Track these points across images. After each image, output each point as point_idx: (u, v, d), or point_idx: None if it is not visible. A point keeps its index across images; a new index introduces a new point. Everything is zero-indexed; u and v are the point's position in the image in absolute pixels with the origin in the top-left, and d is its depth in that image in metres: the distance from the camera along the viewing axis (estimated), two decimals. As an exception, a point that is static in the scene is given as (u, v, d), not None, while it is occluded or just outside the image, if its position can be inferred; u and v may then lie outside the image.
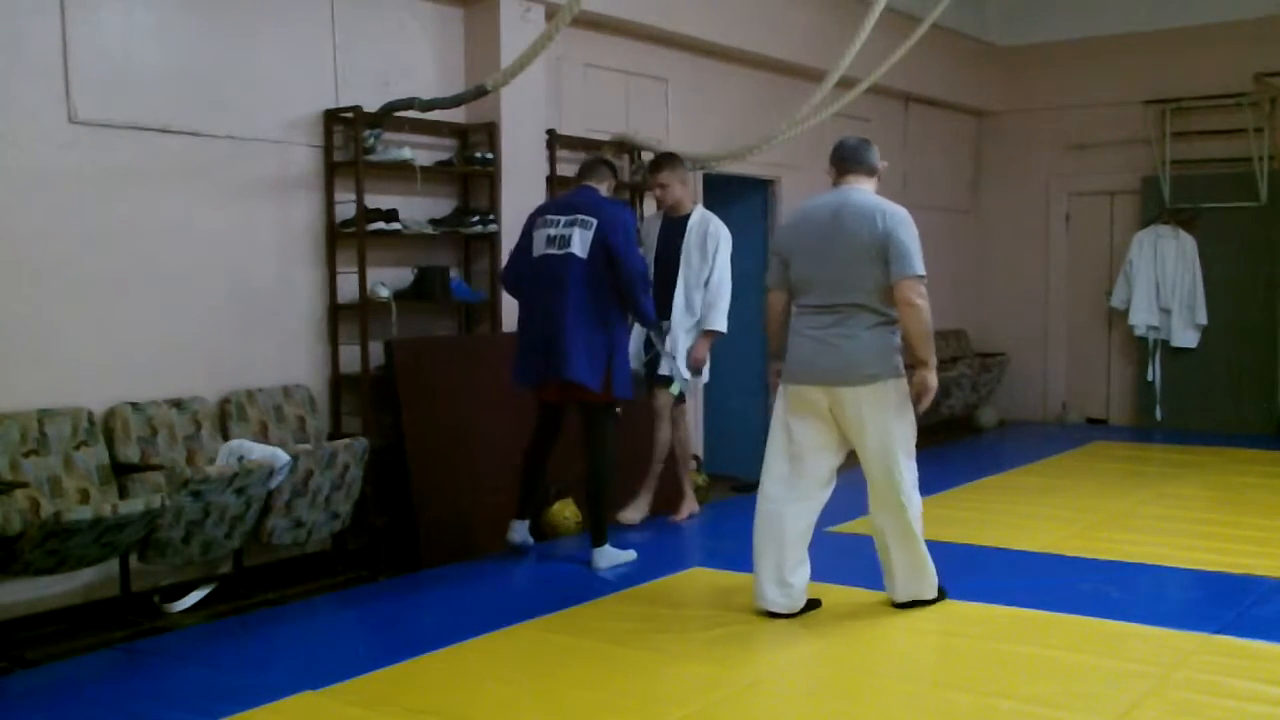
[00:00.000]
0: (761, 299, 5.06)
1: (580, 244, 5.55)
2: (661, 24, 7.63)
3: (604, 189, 5.87)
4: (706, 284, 6.48)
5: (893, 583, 4.87)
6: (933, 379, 4.62)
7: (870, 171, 4.85)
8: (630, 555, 5.78)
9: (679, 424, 6.83)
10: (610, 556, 5.71)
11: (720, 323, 6.49)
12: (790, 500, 4.73)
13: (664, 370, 6.44)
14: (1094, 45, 10.98)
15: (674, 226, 6.61)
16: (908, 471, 4.75)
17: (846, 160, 4.83)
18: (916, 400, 4.69)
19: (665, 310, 6.51)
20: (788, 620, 4.78)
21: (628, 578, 5.49)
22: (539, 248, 5.66)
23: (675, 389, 6.52)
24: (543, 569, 5.82)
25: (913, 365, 4.70)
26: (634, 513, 6.66)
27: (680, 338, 6.48)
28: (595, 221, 5.58)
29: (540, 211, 5.83)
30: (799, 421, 4.75)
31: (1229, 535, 6.21)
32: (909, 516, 4.76)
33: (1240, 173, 10.24)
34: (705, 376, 6.66)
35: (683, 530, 6.67)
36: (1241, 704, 3.80)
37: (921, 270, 4.59)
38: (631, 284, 5.60)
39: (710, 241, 6.51)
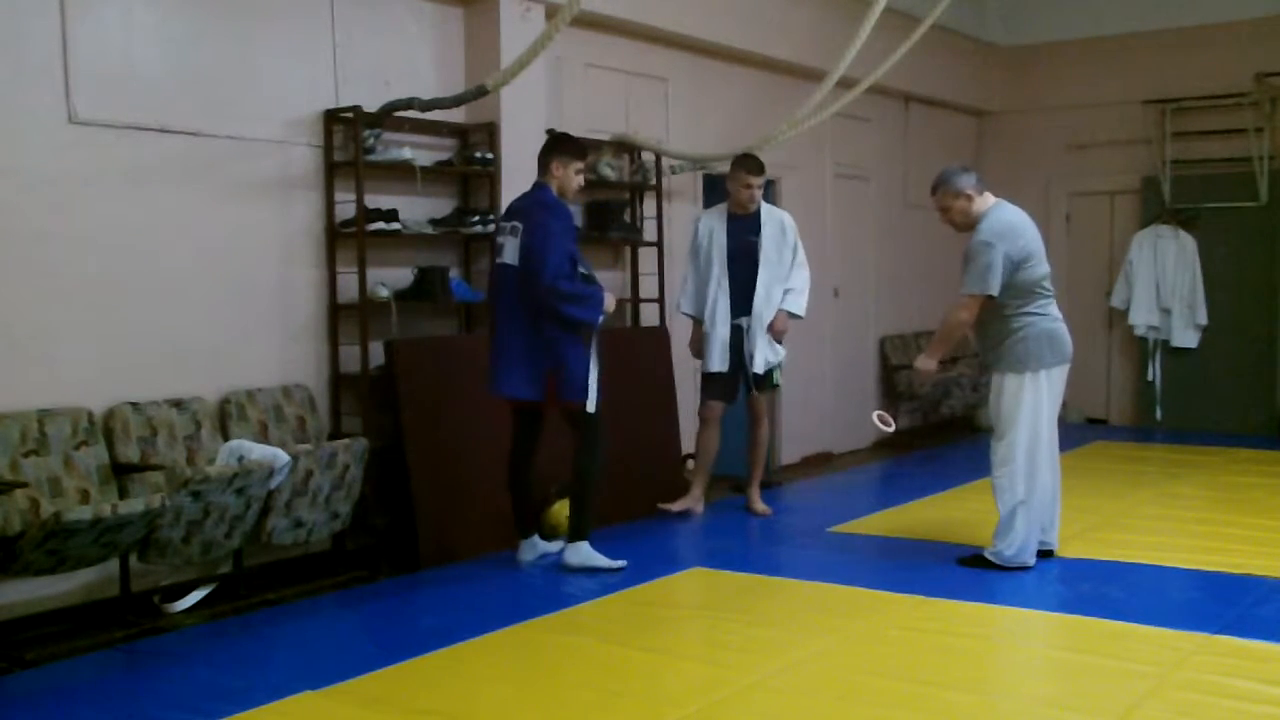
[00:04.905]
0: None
1: (511, 252, 5.58)
2: (661, 24, 7.62)
3: (555, 184, 5.64)
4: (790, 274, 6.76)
5: (1055, 532, 5.73)
6: None
7: None
8: (617, 565, 5.62)
9: (713, 424, 6.87)
10: (584, 555, 5.62)
11: (803, 307, 6.81)
12: (1055, 470, 5.67)
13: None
14: (1094, 45, 10.98)
15: (744, 224, 6.79)
16: None
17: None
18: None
19: (746, 307, 6.70)
20: (787, 620, 4.81)
21: (628, 578, 5.49)
22: (496, 256, 5.74)
23: (777, 378, 6.88)
24: (542, 569, 5.81)
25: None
26: (760, 505, 6.99)
27: (760, 336, 6.69)
28: (523, 227, 5.54)
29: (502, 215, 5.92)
30: (1055, 400, 5.59)
31: (1229, 535, 6.21)
32: None
33: (1240, 173, 10.23)
34: (783, 354, 6.89)
35: (683, 530, 6.67)
36: (1241, 704, 3.80)
37: None
38: (543, 293, 5.39)
39: (790, 234, 6.80)
